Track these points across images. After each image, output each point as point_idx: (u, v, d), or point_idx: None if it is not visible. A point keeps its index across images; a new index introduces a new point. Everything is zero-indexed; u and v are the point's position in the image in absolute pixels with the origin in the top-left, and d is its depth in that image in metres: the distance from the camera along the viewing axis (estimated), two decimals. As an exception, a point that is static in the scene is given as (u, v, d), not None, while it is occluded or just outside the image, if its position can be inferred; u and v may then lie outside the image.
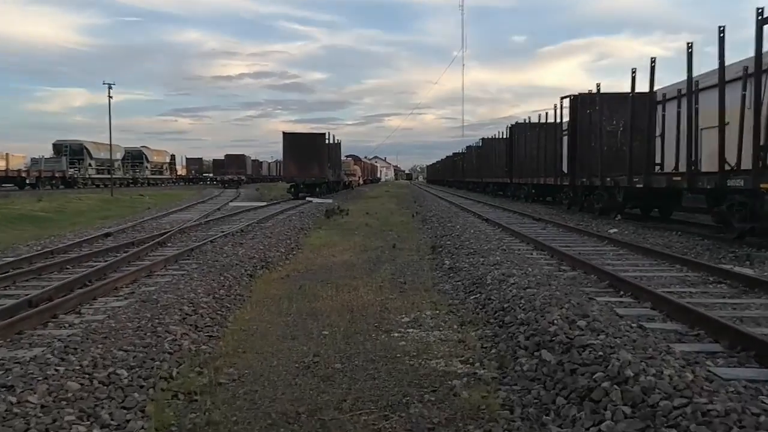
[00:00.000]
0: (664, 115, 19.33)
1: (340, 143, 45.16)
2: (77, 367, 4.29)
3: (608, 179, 17.85)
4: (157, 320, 5.65)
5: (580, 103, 20.26)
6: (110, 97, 36.46)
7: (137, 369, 4.47)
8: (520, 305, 6.28)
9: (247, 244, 11.97)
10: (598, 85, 18.53)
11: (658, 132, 19.38)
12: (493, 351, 5.35)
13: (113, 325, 5.43)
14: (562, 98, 22.18)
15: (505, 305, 6.52)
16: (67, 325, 5.91)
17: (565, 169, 22.80)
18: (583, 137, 20.12)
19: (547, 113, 25.84)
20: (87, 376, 4.20)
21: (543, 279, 7.56)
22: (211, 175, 73.45)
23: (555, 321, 5.31)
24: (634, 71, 16.09)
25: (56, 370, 4.21)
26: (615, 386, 3.80)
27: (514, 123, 32.43)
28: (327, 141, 37.39)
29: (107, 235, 13.60)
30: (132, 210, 28.67)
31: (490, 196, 39.12)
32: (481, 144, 45.36)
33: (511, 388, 4.43)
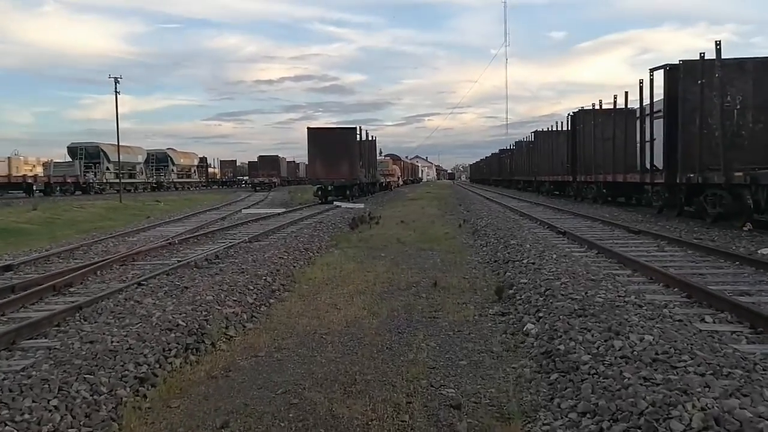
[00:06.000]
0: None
1: (375, 139, 40.49)
2: None
3: (738, 174, 12.65)
4: None
5: (684, 74, 14.99)
6: (117, 92, 32.67)
7: None
8: None
9: (195, 287, 7.34)
10: (717, 44, 13.23)
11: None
12: None
13: None
14: (651, 70, 16.92)
15: None
16: None
17: (656, 162, 17.58)
18: (690, 119, 14.87)
19: (627, 94, 20.59)
20: None
21: None
22: (246, 177, 70.98)
23: None
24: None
25: None
26: None
27: (578, 109, 27.15)
28: (359, 137, 32.71)
29: (7, 268, 9.19)
30: (134, 219, 24.70)
31: (546, 196, 33.93)
32: (533, 138, 40.05)
33: None
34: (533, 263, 9.03)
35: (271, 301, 7.48)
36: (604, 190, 24.12)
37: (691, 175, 14.71)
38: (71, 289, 7.65)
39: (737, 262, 8.52)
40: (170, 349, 5.08)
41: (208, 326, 5.79)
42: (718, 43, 13.18)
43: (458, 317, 6.60)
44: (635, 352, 4.31)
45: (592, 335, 4.93)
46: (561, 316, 5.77)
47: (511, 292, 7.58)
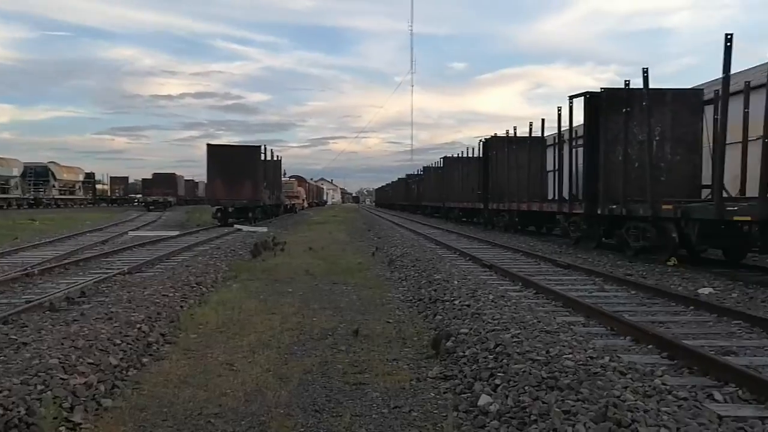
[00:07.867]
0: (717, 119, 13.95)
1: (280, 160, 38.64)
2: None
3: (666, 207, 12.13)
4: None
5: (607, 101, 14.57)
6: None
7: None
8: None
9: (38, 343, 5.45)
10: (644, 71, 12.75)
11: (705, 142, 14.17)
12: None
13: None
14: (571, 97, 16.44)
15: None
16: None
17: (574, 192, 17.10)
18: (612, 149, 14.42)
19: (543, 122, 20.21)
20: None
21: None
22: (139, 196, 66.78)
23: None
24: None
25: None
26: None
27: (491, 136, 26.79)
28: (263, 156, 30.82)
29: None
30: (-1, 240, 21.43)
31: (455, 223, 33.42)
32: (442, 164, 39.68)
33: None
34: (468, 305, 7.76)
35: (145, 360, 5.70)
36: (516, 219, 23.67)
37: (614, 207, 14.20)
38: None
39: (692, 307, 7.65)
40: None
41: (41, 410, 3.99)
42: (645, 71, 12.71)
43: (391, 383, 5.15)
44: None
45: (585, 426, 3.63)
46: (527, 388, 4.46)
47: (449, 344, 6.22)
